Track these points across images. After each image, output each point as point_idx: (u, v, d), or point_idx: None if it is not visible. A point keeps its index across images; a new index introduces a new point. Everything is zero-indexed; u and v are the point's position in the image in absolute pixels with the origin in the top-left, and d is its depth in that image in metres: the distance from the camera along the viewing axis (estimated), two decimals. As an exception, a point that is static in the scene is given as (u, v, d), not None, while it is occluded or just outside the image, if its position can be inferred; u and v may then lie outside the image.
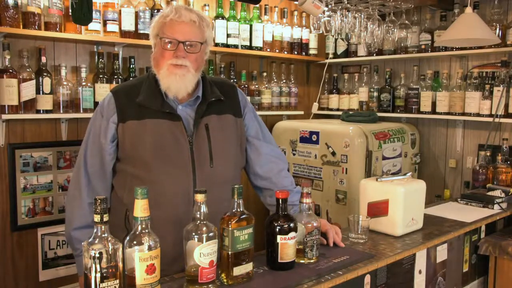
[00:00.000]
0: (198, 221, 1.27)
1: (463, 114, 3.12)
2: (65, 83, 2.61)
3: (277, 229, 1.42)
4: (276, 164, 1.82)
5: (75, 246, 1.65)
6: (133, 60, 2.86)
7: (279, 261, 1.44)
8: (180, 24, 1.55)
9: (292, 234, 1.43)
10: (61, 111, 2.60)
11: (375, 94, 3.63)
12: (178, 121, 1.59)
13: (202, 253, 1.24)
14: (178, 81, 1.55)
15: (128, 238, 1.17)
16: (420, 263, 1.86)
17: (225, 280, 1.34)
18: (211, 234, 1.26)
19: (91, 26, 2.56)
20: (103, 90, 2.71)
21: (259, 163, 1.79)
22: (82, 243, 1.12)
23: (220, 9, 3.26)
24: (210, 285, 1.28)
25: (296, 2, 2.99)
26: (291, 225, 1.43)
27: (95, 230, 1.12)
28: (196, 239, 1.24)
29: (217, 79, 1.79)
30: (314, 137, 3.28)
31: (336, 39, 3.86)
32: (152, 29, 1.62)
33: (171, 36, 1.55)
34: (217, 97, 1.67)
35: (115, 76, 2.77)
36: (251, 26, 3.38)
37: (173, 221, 1.51)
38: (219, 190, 1.56)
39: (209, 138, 1.62)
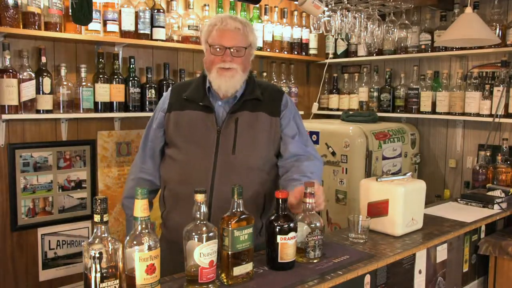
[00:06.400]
0: (198, 221, 1.27)
1: (463, 114, 3.12)
2: (65, 83, 2.61)
3: (277, 229, 1.42)
4: (305, 157, 1.83)
5: (125, 211, 1.91)
6: (133, 60, 2.86)
7: (279, 261, 1.44)
8: (226, 32, 1.74)
9: (292, 234, 1.43)
10: (61, 111, 2.60)
11: (375, 94, 3.63)
12: (211, 113, 1.78)
13: (202, 253, 1.24)
14: (227, 81, 1.75)
15: (128, 238, 1.17)
16: (420, 263, 1.86)
17: (225, 280, 1.34)
18: (211, 234, 1.26)
19: (91, 26, 2.56)
20: (103, 90, 2.71)
21: (284, 155, 1.85)
22: (82, 243, 1.12)
23: (220, 9, 3.26)
24: (210, 285, 1.28)
25: (296, 2, 2.99)
26: (291, 225, 1.43)
27: (95, 230, 1.12)
28: (196, 239, 1.25)
29: (265, 83, 1.98)
30: (314, 137, 3.28)
31: (336, 39, 3.86)
32: (202, 36, 1.84)
33: (219, 43, 1.74)
34: (254, 96, 1.81)
35: (115, 76, 2.77)
36: (251, 26, 3.38)
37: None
38: (239, 178, 1.68)
39: (236, 129, 1.77)
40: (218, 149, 1.75)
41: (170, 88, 1.95)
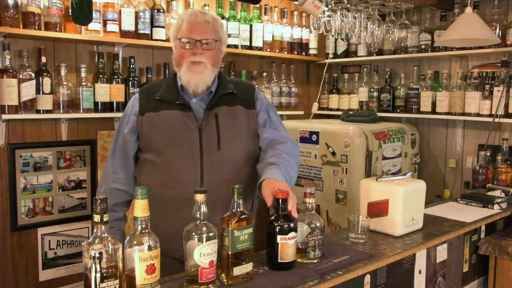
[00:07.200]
0: (198, 221, 1.27)
1: (463, 114, 3.12)
2: (65, 83, 2.61)
3: (277, 229, 1.42)
4: (278, 141, 1.81)
5: None
6: (133, 60, 2.86)
7: (279, 261, 1.44)
8: (196, 25, 1.71)
9: (292, 234, 1.43)
10: (61, 111, 2.60)
11: (375, 94, 3.63)
12: (189, 111, 1.74)
13: (202, 253, 1.24)
14: (196, 76, 1.71)
15: (128, 238, 1.17)
16: (420, 263, 1.86)
17: (225, 280, 1.34)
18: (211, 234, 1.26)
19: (91, 26, 2.56)
20: (103, 90, 2.71)
21: (261, 145, 1.83)
22: (82, 243, 1.12)
23: (220, 9, 3.26)
24: (210, 285, 1.28)
25: (296, 2, 2.99)
26: (291, 225, 1.43)
27: (95, 230, 1.12)
28: (196, 239, 1.25)
29: (236, 80, 1.95)
30: (314, 137, 3.28)
31: (336, 39, 3.86)
32: (171, 33, 1.79)
33: (189, 36, 1.70)
34: (229, 89, 1.79)
35: (115, 76, 2.77)
36: (251, 26, 3.38)
37: (183, 200, 1.56)
38: (228, 173, 1.70)
39: (218, 125, 1.74)
40: (202, 147, 1.71)
41: (137, 92, 1.87)
